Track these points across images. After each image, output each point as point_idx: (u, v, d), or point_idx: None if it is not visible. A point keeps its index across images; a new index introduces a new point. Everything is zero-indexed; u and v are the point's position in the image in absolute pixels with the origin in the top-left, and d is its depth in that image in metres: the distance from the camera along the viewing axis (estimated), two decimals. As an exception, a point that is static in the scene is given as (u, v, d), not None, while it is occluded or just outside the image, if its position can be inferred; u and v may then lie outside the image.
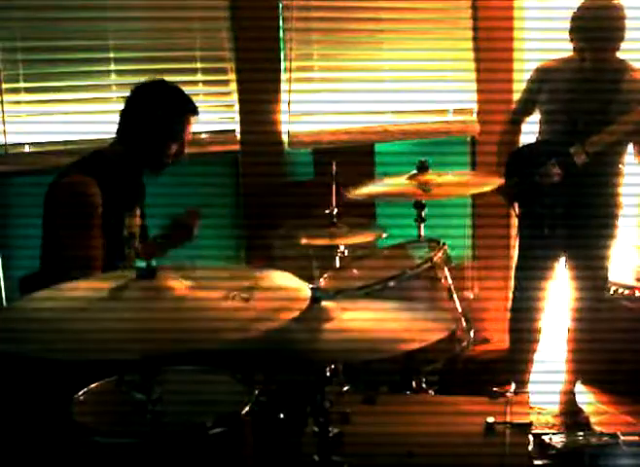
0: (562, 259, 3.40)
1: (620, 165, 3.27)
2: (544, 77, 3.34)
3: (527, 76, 3.47)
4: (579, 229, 3.23)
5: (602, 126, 3.11)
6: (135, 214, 2.77)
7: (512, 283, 3.51)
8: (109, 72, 3.32)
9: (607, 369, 3.50)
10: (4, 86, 3.14)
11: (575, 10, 3.12)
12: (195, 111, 2.73)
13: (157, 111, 2.65)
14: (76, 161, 2.68)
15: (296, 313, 1.59)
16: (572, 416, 3.37)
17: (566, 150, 3.13)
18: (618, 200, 3.30)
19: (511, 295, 3.50)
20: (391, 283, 2.45)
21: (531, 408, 2.70)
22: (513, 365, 3.49)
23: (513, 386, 2.92)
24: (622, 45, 3.06)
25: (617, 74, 3.16)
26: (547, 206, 3.24)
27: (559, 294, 3.50)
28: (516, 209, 3.45)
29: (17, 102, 3.18)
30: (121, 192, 2.66)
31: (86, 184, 2.55)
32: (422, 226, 2.94)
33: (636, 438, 2.19)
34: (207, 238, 2.90)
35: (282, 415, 2.19)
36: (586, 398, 3.61)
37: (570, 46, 3.15)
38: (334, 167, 3.09)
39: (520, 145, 3.47)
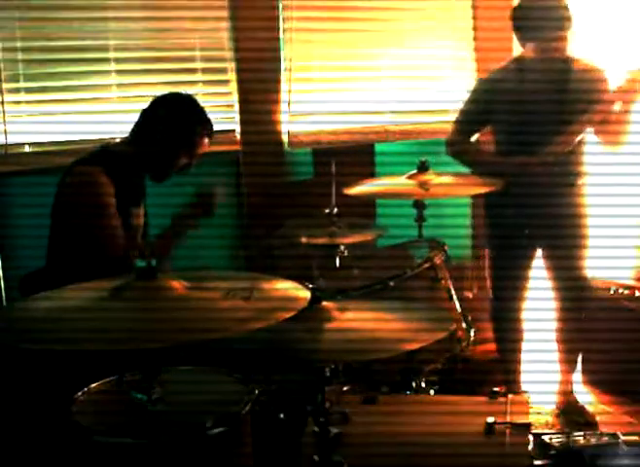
0: (537, 260, 3.37)
1: (581, 163, 3.22)
2: (491, 87, 3.27)
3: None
4: (549, 230, 3.19)
5: (557, 128, 3.06)
6: (140, 211, 2.79)
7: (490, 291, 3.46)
8: (109, 72, 3.32)
9: (607, 369, 3.50)
10: (4, 86, 3.14)
11: (516, 4, 3.10)
12: (210, 132, 2.79)
13: (177, 122, 2.70)
14: (83, 156, 2.71)
15: (294, 312, 1.59)
16: (575, 416, 3.32)
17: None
18: (582, 199, 3.26)
19: (490, 303, 3.45)
20: (391, 283, 2.45)
21: (531, 408, 2.70)
22: (503, 367, 3.47)
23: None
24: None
25: (564, 66, 3.10)
26: (514, 216, 3.16)
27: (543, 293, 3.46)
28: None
29: (17, 102, 3.19)
30: (127, 188, 2.68)
31: (97, 173, 2.59)
32: (422, 226, 2.94)
33: (636, 438, 2.19)
34: (207, 238, 2.90)
35: (282, 415, 2.19)
36: (587, 398, 3.60)
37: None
38: (333, 167, 3.09)
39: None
